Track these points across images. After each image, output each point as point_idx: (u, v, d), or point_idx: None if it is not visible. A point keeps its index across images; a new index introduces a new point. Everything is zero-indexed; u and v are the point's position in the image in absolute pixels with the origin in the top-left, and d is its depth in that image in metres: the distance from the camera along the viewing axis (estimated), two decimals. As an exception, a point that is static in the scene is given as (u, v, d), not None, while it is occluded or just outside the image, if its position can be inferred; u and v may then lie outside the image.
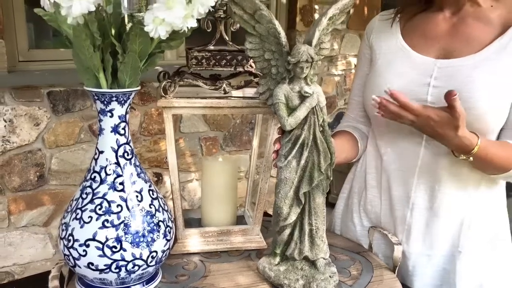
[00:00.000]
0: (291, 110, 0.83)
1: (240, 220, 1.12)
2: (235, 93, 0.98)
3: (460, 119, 0.84)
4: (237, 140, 2.73)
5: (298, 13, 2.77)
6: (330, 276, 0.87)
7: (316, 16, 2.86)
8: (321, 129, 0.84)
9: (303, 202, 0.86)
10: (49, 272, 0.88)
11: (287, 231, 0.88)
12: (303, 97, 0.83)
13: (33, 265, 2.17)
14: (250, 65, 0.96)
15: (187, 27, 0.72)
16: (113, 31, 0.78)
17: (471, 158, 0.90)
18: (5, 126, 2.00)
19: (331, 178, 0.86)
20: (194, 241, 1.02)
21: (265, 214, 1.08)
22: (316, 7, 2.84)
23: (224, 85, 0.95)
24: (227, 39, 0.97)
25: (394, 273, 0.96)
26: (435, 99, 0.94)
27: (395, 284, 0.92)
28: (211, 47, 0.95)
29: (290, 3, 2.80)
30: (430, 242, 1.00)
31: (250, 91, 0.98)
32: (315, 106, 0.83)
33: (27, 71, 2.07)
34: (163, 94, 0.91)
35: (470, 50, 0.95)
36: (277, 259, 0.90)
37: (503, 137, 0.96)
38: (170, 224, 0.87)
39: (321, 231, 0.88)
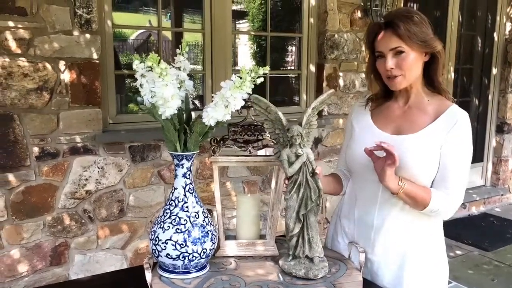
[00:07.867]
0: (291, 164, 1.37)
1: (262, 236, 1.64)
2: (259, 152, 1.54)
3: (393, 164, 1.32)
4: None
5: (324, 79, 3.32)
6: (321, 268, 1.37)
7: (341, 81, 3.42)
8: (311, 174, 1.37)
9: (302, 220, 1.37)
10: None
11: (294, 239, 1.39)
12: (297, 156, 1.36)
13: (111, 280, 2.77)
14: (266, 136, 1.52)
15: (225, 119, 1.30)
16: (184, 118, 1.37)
17: (404, 188, 1.34)
18: (98, 171, 2.64)
19: (321, 205, 1.37)
20: (230, 248, 1.55)
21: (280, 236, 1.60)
22: (340, 74, 3.40)
23: (250, 148, 1.51)
24: (252, 118, 1.54)
25: (360, 271, 1.44)
26: None
27: (358, 277, 1.40)
28: (242, 124, 1.53)
29: (318, 72, 3.35)
30: (387, 253, 1.47)
31: (268, 150, 1.54)
32: (305, 160, 1.36)
33: (115, 131, 2.71)
34: (212, 154, 1.48)
35: (412, 130, 1.43)
36: (290, 257, 1.41)
37: (434, 187, 1.41)
38: (214, 233, 1.41)
39: (316, 239, 1.38)
